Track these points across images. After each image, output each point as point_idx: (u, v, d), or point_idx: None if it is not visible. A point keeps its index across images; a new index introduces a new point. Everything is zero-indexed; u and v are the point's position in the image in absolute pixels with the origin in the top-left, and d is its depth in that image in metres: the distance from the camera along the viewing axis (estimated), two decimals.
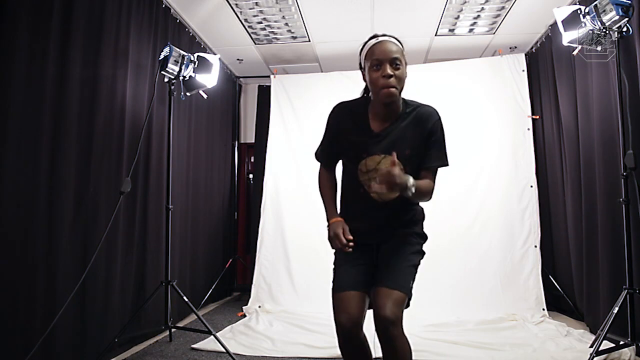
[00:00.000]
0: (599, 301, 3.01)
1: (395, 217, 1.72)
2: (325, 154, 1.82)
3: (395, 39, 1.65)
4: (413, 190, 1.49)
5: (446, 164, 1.70)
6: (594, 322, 3.13)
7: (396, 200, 1.65)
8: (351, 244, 1.57)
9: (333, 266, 1.76)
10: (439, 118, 1.69)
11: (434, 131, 1.66)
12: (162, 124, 3.21)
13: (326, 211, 1.75)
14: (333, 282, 1.68)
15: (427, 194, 1.65)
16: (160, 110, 3.21)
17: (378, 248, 1.73)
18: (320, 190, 1.82)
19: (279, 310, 3.87)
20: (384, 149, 1.63)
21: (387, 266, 1.63)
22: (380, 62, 1.57)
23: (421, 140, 1.66)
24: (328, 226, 1.69)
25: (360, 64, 1.70)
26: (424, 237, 1.79)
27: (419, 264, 1.69)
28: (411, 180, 1.49)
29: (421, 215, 1.81)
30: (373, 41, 1.63)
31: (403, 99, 1.70)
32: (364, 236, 1.69)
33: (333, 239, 1.62)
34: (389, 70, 1.56)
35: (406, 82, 1.66)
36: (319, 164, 1.87)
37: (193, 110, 3.95)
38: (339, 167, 1.86)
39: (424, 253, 1.76)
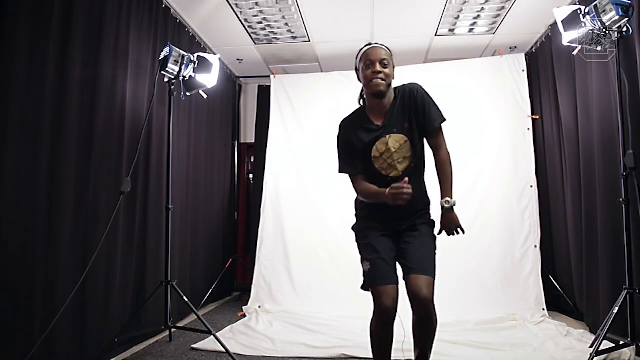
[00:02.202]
0: (599, 301, 3.01)
1: (411, 204, 1.90)
2: (350, 164, 2.01)
3: (385, 46, 1.98)
4: (454, 202, 1.94)
5: (444, 119, 1.96)
6: (594, 322, 3.13)
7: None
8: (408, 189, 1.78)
9: (361, 255, 1.97)
10: (420, 87, 1.98)
11: (420, 99, 1.94)
12: (162, 124, 3.21)
13: (377, 194, 1.88)
14: (370, 274, 1.88)
15: (451, 166, 1.97)
16: (160, 110, 3.21)
17: (399, 235, 1.97)
18: (366, 194, 1.97)
19: (279, 310, 3.87)
20: (387, 132, 1.93)
21: (417, 257, 1.88)
22: (372, 62, 1.91)
23: (413, 111, 1.94)
24: (385, 197, 1.81)
25: (355, 67, 2.02)
26: (434, 224, 2.04)
27: (436, 248, 1.98)
28: (449, 199, 1.93)
29: (429, 201, 2.08)
30: (366, 47, 1.97)
31: (394, 90, 1.99)
32: (388, 223, 1.96)
33: (396, 195, 1.76)
34: (379, 68, 1.89)
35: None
36: (349, 179, 2.04)
37: (193, 110, 3.95)
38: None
39: (436, 238, 2.01)
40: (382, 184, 1.90)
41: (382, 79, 1.88)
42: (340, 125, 2.04)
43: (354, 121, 2.01)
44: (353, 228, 2.08)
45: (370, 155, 1.95)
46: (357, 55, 2.00)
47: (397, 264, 1.94)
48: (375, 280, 1.86)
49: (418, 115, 1.93)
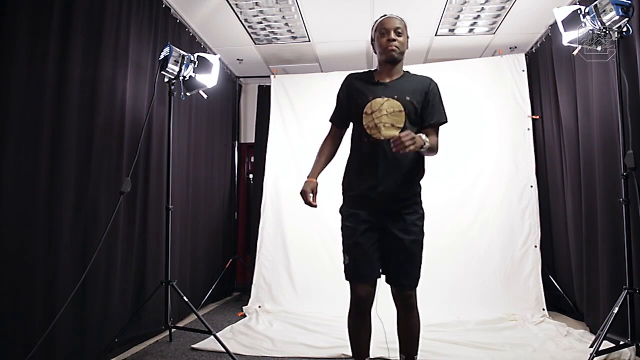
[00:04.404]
0: (599, 301, 3.01)
1: (398, 177, 1.90)
2: (336, 114, 2.13)
3: (400, 17, 2.02)
4: (427, 143, 1.79)
5: (445, 120, 2.00)
6: (594, 322, 3.13)
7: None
8: (314, 204, 1.97)
9: (343, 244, 1.99)
10: (436, 84, 2.02)
11: (431, 90, 1.98)
12: (162, 124, 3.21)
13: (312, 169, 2.10)
14: (349, 269, 1.93)
15: (435, 149, 1.94)
16: (160, 110, 3.21)
17: (386, 226, 1.91)
18: (318, 150, 2.13)
19: (279, 310, 3.87)
20: (387, 94, 1.93)
21: (402, 271, 1.90)
22: (387, 30, 1.96)
23: (420, 95, 1.96)
24: (305, 182, 2.04)
25: (371, 37, 2.07)
26: (424, 217, 1.99)
27: (423, 248, 1.95)
28: (423, 136, 1.80)
29: (420, 188, 2.02)
30: (382, 17, 2.03)
31: (405, 71, 2.04)
32: (373, 207, 1.91)
33: (302, 194, 2.01)
34: (393, 36, 1.95)
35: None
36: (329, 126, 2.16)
37: (193, 110, 3.95)
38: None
39: (424, 233, 1.97)
40: (361, 146, 1.95)
41: (397, 46, 1.94)
42: (346, 77, 2.11)
43: (360, 76, 2.08)
44: (340, 210, 2.06)
45: (363, 109, 1.95)
46: (373, 26, 2.05)
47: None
48: (353, 277, 1.92)
49: (427, 104, 1.96)
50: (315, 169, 2.10)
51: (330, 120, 2.17)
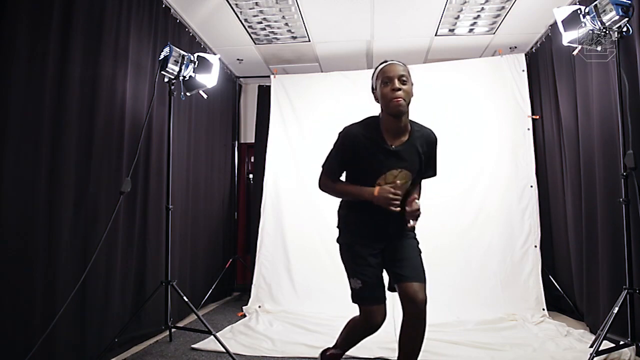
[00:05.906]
0: (599, 301, 3.01)
1: (396, 223, 1.92)
2: (334, 171, 1.96)
3: (403, 63, 1.87)
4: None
5: (435, 175, 2.06)
6: (594, 322, 3.13)
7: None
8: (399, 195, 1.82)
9: (350, 270, 1.95)
10: (436, 137, 1.99)
11: (434, 151, 1.99)
12: (162, 124, 3.21)
13: (359, 192, 1.87)
14: (363, 294, 1.89)
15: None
16: (160, 110, 3.21)
17: (383, 249, 1.96)
18: (335, 191, 1.98)
19: (279, 310, 3.87)
20: (401, 165, 1.86)
21: (411, 265, 1.89)
22: (390, 78, 1.79)
23: (424, 154, 1.94)
24: (374, 197, 1.81)
25: (372, 86, 1.91)
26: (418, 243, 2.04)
27: (421, 259, 1.97)
28: (418, 201, 1.86)
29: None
30: (383, 64, 1.86)
31: (410, 121, 1.91)
32: (372, 239, 1.94)
33: (387, 200, 1.77)
34: (397, 84, 1.77)
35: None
36: (320, 172, 2.01)
37: (193, 110, 3.95)
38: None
39: (421, 252, 2.01)
40: (367, 206, 1.86)
41: (402, 97, 1.77)
42: (347, 133, 1.87)
43: (364, 134, 1.85)
44: (338, 240, 2.03)
45: (376, 179, 1.86)
46: (373, 74, 1.89)
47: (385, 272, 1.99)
48: (368, 301, 1.89)
49: (427, 159, 1.97)
50: (360, 188, 1.89)
51: (325, 173, 1.97)
